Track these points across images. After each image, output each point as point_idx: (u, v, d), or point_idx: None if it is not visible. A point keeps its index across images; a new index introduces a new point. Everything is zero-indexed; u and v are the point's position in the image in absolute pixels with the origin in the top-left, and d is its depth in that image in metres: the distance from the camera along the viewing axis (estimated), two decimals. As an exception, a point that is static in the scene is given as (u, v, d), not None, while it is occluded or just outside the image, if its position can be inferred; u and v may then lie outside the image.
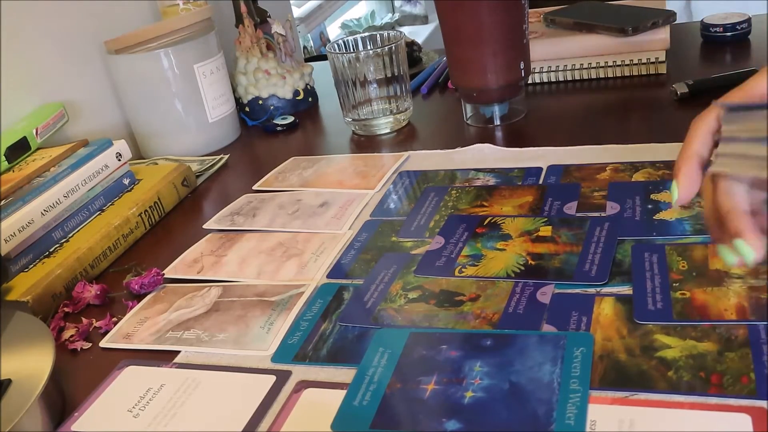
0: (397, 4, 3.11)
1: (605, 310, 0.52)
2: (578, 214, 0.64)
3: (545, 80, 0.99)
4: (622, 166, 0.71)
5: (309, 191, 0.80)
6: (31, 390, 0.49)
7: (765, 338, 0.46)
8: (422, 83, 1.06)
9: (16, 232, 0.68)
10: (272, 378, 0.52)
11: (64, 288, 0.67)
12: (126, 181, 0.82)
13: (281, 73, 1.05)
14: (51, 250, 0.71)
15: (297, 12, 2.41)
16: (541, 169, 0.74)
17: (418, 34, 2.74)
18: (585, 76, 0.97)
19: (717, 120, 0.44)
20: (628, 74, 0.95)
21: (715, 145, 0.44)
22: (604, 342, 0.49)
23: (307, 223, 0.72)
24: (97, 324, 0.63)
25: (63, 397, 0.54)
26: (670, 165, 0.69)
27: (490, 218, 0.66)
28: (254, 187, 0.83)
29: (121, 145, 0.82)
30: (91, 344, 0.61)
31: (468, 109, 0.91)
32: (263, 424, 0.48)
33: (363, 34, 0.94)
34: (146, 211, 0.79)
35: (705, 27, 1.00)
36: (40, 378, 0.50)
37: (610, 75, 0.96)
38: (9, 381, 0.50)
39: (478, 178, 0.75)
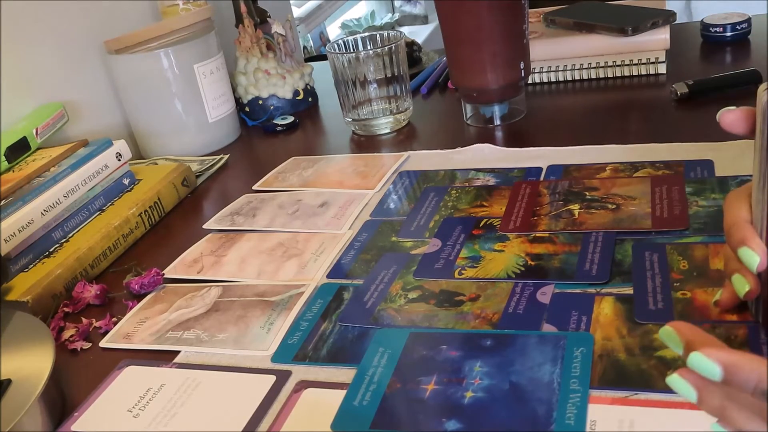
0: (397, 4, 3.11)
1: (605, 309, 0.52)
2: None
3: (545, 80, 0.99)
4: (622, 166, 0.71)
5: (309, 191, 0.80)
6: (31, 390, 0.49)
7: (765, 338, 0.46)
8: (422, 83, 1.06)
9: (16, 232, 0.68)
10: (272, 378, 0.52)
11: (64, 288, 0.67)
12: (126, 181, 0.82)
13: (281, 73, 1.05)
14: (51, 250, 0.71)
15: (297, 12, 2.40)
16: (541, 169, 0.74)
17: (418, 34, 2.74)
18: (585, 76, 0.97)
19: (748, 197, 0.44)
20: (628, 74, 0.95)
21: None
22: (603, 341, 0.49)
23: (307, 223, 0.72)
24: (97, 324, 0.63)
25: (63, 397, 0.54)
26: (670, 165, 0.69)
27: (485, 219, 0.66)
28: (254, 187, 0.83)
29: (121, 145, 0.82)
30: (91, 344, 0.61)
31: (468, 109, 0.91)
32: (263, 424, 0.48)
33: (363, 34, 0.94)
34: (146, 211, 0.79)
35: (705, 27, 1.00)
36: (40, 378, 0.50)
37: (610, 75, 0.96)
38: (9, 381, 0.50)
39: (478, 178, 0.75)
